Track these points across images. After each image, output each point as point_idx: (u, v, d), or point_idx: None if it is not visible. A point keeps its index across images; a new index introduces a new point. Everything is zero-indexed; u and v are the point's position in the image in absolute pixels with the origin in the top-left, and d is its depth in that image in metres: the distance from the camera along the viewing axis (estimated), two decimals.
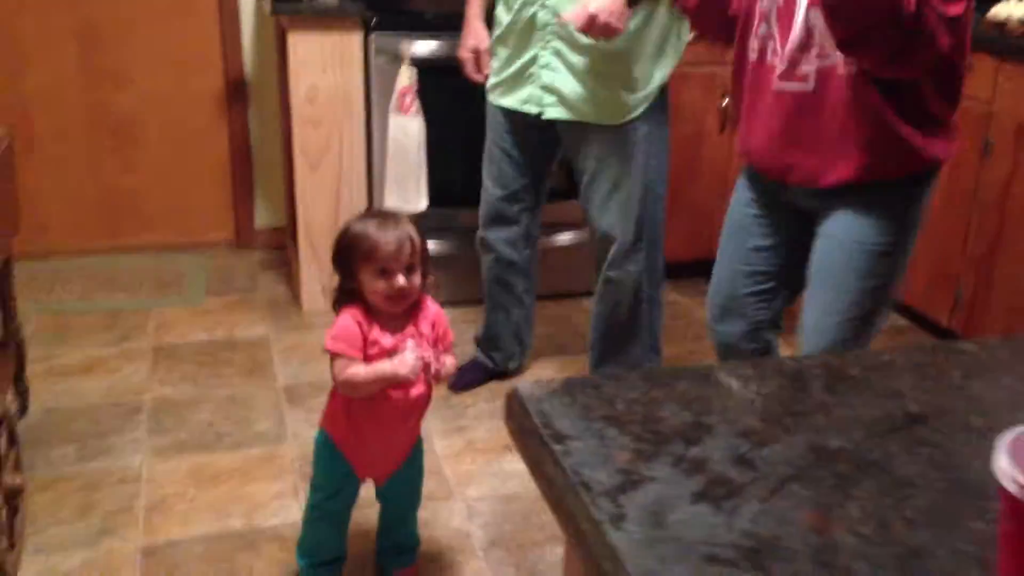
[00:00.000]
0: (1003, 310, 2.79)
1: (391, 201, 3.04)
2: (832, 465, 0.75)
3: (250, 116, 3.56)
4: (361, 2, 3.00)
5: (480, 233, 2.74)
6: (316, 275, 3.20)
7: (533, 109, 2.46)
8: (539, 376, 2.91)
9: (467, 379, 2.81)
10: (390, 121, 2.96)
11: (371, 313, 1.73)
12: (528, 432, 0.79)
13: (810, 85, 1.79)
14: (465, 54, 2.59)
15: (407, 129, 2.96)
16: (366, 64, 2.99)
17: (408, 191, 3.03)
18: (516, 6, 2.40)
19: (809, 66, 1.79)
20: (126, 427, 2.57)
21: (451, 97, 3.05)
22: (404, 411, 1.79)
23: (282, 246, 3.70)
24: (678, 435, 0.78)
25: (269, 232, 3.71)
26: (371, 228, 1.72)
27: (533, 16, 2.37)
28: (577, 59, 2.36)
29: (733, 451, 0.77)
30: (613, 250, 2.50)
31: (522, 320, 2.85)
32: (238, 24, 3.42)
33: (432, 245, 3.10)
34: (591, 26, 2.17)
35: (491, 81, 2.56)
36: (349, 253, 1.73)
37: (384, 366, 1.70)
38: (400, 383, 1.72)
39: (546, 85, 2.42)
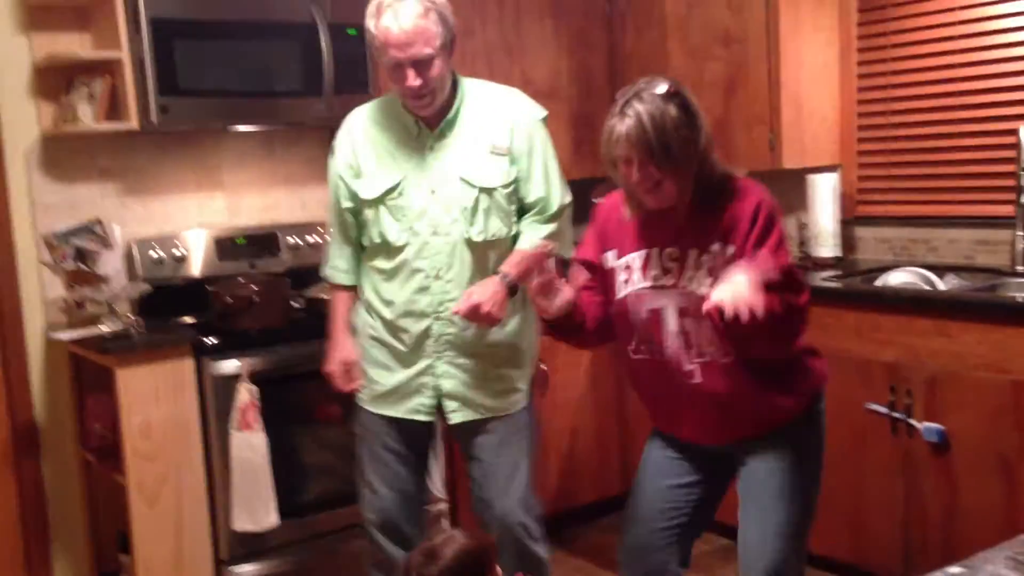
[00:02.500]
0: None
1: (241, 523, 2.93)
2: None
3: (43, 466, 3.27)
4: (191, 329, 2.99)
5: (374, 546, 2.64)
6: None
7: (423, 418, 2.53)
8: None
9: None
10: (232, 440, 2.90)
11: None
12: None
13: (698, 378, 2.09)
14: (335, 368, 2.60)
15: (252, 445, 2.91)
16: (200, 388, 2.94)
17: (257, 510, 2.94)
18: (403, 321, 2.47)
19: (692, 364, 2.08)
20: None
21: (292, 407, 3.07)
22: None
23: None
24: None
25: None
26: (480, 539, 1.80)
27: (427, 329, 2.46)
28: (471, 362, 2.48)
29: None
30: (520, 531, 2.53)
31: None
32: (25, 364, 3.21)
33: (288, 559, 3.03)
34: (475, 315, 2.37)
35: (370, 392, 2.58)
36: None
37: None
38: None
39: (447, 393, 2.49)
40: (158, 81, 3.00)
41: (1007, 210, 3.12)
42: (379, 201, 2.46)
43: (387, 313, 2.50)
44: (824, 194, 3.52)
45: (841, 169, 3.61)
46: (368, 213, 2.49)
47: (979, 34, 3.21)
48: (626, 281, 2.13)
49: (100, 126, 3.09)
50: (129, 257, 3.28)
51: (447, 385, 2.50)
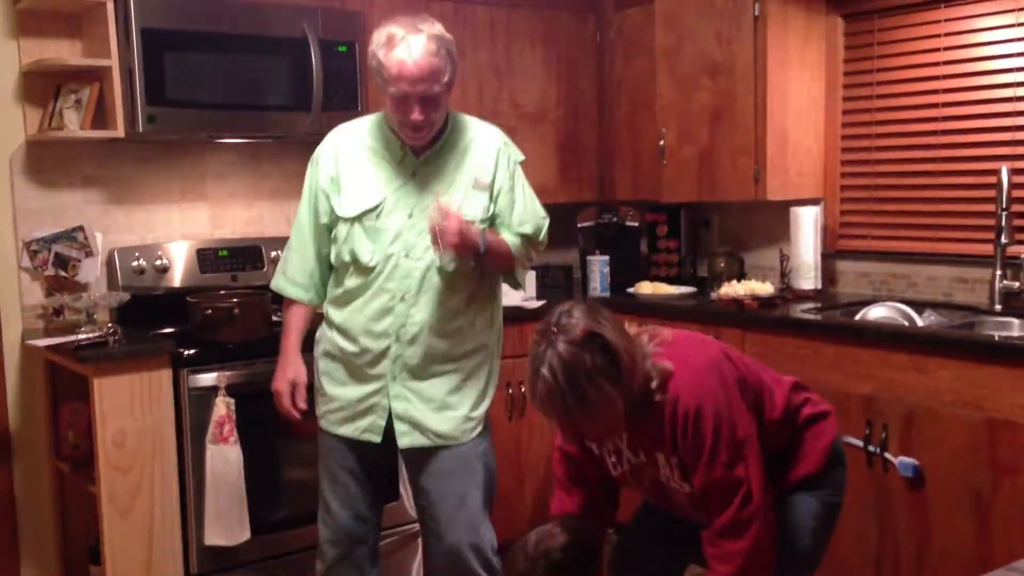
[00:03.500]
0: None
1: (214, 537, 2.91)
2: None
3: (14, 473, 3.24)
4: (169, 339, 2.97)
5: (326, 569, 2.62)
6: None
7: (375, 439, 2.50)
8: None
9: None
10: (208, 452, 2.88)
11: None
12: None
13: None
14: (283, 386, 2.56)
15: (227, 458, 2.90)
16: (176, 400, 2.92)
17: (231, 524, 2.92)
18: (362, 339, 2.45)
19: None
20: None
21: (269, 421, 3.05)
22: None
23: None
24: None
25: None
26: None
27: (386, 349, 2.45)
28: (425, 386, 2.48)
29: None
30: (470, 562, 2.51)
31: None
32: (1, 370, 3.18)
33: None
34: (457, 234, 2.29)
35: (326, 408, 2.56)
36: None
37: None
38: None
39: (399, 414, 2.48)
40: (146, 90, 2.99)
41: (986, 249, 3.15)
42: (356, 220, 2.44)
43: (348, 329, 2.48)
44: (806, 227, 3.55)
45: (824, 203, 3.65)
46: (341, 230, 2.46)
47: (964, 75, 3.25)
48: (615, 464, 2.12)
49: (86, 133, 3.08)
50: (110, 265, 3.27)
51: (398, 407, 2.48)
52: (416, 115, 2.34)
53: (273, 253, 3.51)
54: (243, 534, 2.93)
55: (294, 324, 2.60)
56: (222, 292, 3.22)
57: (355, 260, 2.45)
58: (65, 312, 3.16)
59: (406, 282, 2.43)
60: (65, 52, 3.18)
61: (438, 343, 2.47)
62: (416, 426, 2.49)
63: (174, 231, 3.45)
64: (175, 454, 2.93)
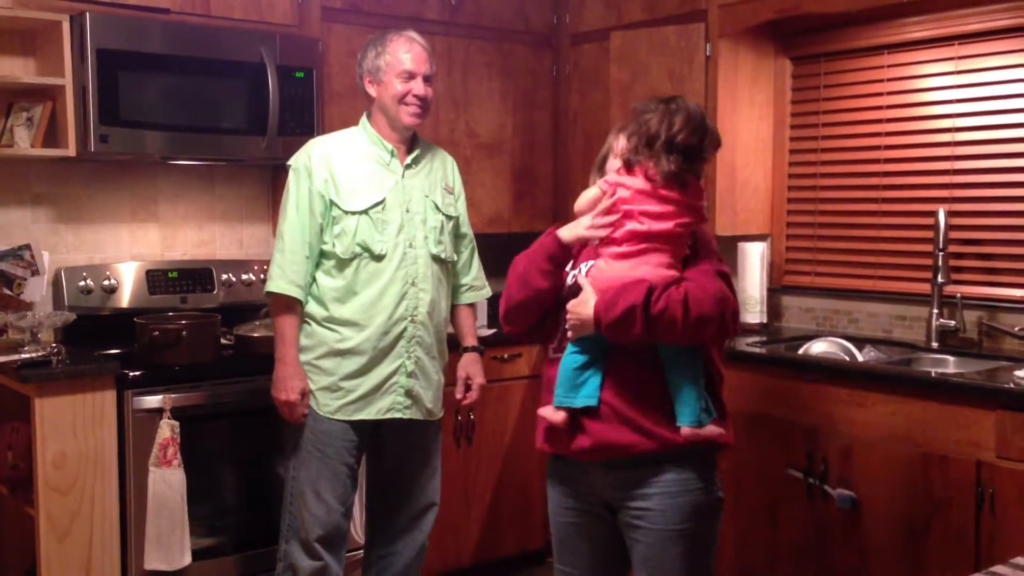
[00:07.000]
0: None
1: (152, 562, 2.88)
2: None
3: None
4: (114, 360, 2.94)
5: (319, 563, 2.75)
6: None
7: (397, 415, 2.76)
8: None
9: None
10: (151, 475, 2.85)
11: None
12: None
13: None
14: (296, 397, 2.71)
15: (170, 482, 2.87)
16: (120, 421, 2.89)
17: (171, 548, 2.89)
18: (380, 325, 2.70)
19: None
20: None
21: (214, 445, 3.04)
22: None
23: None
24: None
25: None
26: None
27: (403, 331, 2.73)
28: (430, 364, 2.81)
29: None
30: (432, 515, 2.94)
31: None
32: None
33: None
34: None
35: (338, 401, 2.72)
36: None
37: None
38: None
39: (408, 391, 2.76)
40: (99, 110, 2.99)
41: (924, 288, 3.24)
42: (364, 213, 2.69)
43: (356, 320, 2.70)
44: (753, 262, 3.62)
45: (770, 239, 3.72)
46: (348, 224, 2.68)
47: (905, 119, 3.36)
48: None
49: (37, 151, 3.06)
50: (56, 285, 3.24)
51: (408, 384, 2.76)
52: (423, 90, 2.74)
53: (224, 276, 3.50)
54: (183, 559, 2.89)
55: (291, 334, 2.75)
56: (170, 314, 3.20)
57: (367, 249, 2.69)
58: (8, 331, 3.11)
59: (414, 268, 2.74)
60: (18, 70, 3.17)
61: (436, 325, 2.81)
62: (416, 400, 2.78)
63: (123, 252, 3.43)
64: (117, 477, 2.89)
